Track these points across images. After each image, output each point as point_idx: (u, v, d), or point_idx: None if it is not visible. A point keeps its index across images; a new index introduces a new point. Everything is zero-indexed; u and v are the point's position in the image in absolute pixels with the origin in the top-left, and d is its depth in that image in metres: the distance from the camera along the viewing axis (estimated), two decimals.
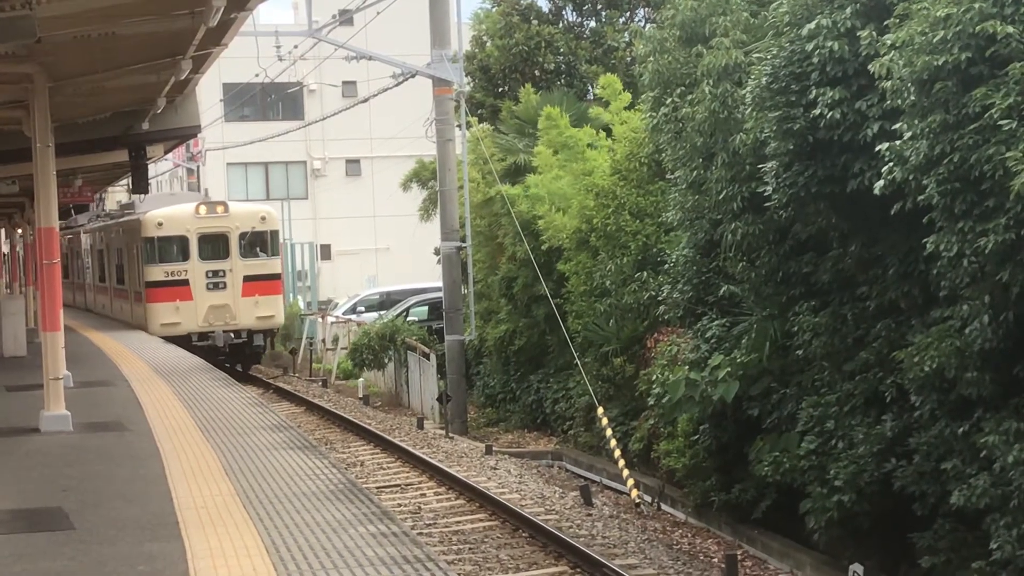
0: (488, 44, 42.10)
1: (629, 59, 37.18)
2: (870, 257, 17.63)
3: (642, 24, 39.86)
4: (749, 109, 18.53)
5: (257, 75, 41.07)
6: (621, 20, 40.90)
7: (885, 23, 16.08)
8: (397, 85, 35.90)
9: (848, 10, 17.02)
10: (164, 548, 11.80)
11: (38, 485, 15.13)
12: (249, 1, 16.46)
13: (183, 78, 21.42)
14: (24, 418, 19.67)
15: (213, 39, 18.48)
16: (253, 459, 16.23)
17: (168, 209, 39.38)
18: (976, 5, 14.53)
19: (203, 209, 38.63)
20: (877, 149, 15.80)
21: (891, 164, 15.39)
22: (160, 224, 38.03)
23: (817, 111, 16.85)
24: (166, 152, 40.26)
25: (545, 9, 41.71)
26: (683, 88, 21.70)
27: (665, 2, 22.73)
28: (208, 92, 54.74)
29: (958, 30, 14.59)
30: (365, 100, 41.18)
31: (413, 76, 34.73)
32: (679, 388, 20.61)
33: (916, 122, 15.09)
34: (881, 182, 15.58)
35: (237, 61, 42.38)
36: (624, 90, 31.80)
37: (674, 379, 20.86)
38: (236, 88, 57.47)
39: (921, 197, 15.07)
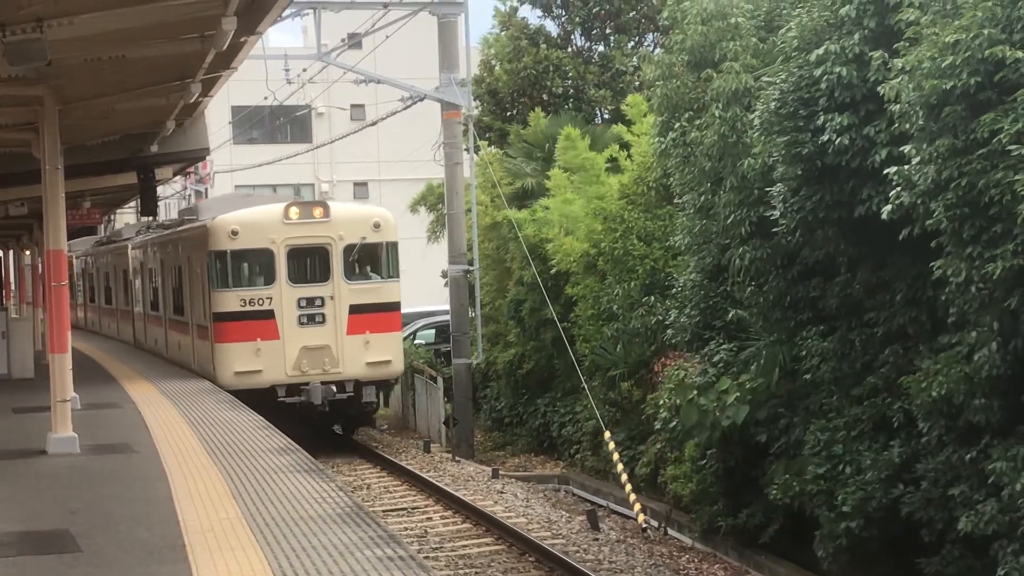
0: (496, 68, 42.16)
1: (637, 83, 37.22)
2: (878, 282, 17.62)
3: (651, 49, 39.92)
4: (757, 134, 18.55)
5: (266, 98, 41.09)
6: (630, 45, 40.96)
7: (894, 46, 16.09)
8: (405, 108, 35.92)
9: (856, 36, 17.04)
10: (171, 571, 11.78)
11: (45, 507, 15.11)
12: (259, 25, 16.50)
13: (192, 101, 21.48)
14: (31, 440, 19.65)
15: (222, 62, 18.54)
16: (260, 482, 16.21)
17: (246, 212, 29.58)
18: (985, 31, 14.55)
19: (295, 212, 28.88)
20: (885, 173, 15.80)
21: (899, 189, 15.39)
22: (235, 233, 28.48)
23: (825, 137, 16.86)
24: (175, 175, 39.60)
25: (554, 33, 41.79)
26: (691, 113, 21.72)
27: (674, 27, 22.74)
28: (217, 114, 54.81)
29: (967, 55, 14.60)
30: (373, 123, 41.17)
31: (421, 100, 34.77)
32: (692, 415, 20.57)
33: (924, 146, 15.09)
34: (889, 206, 15.58)
35: (246, 84, 42.48)
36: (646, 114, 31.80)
37: (686, 405, 20.82)
38: (245, 111, 57.57)
39: (929, 222, 15.07)
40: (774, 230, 18.58)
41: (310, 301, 28.54)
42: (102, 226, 53.07)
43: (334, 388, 28.25)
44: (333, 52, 36.26)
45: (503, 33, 42.37)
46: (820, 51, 17.18)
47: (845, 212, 17.19)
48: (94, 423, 21.50)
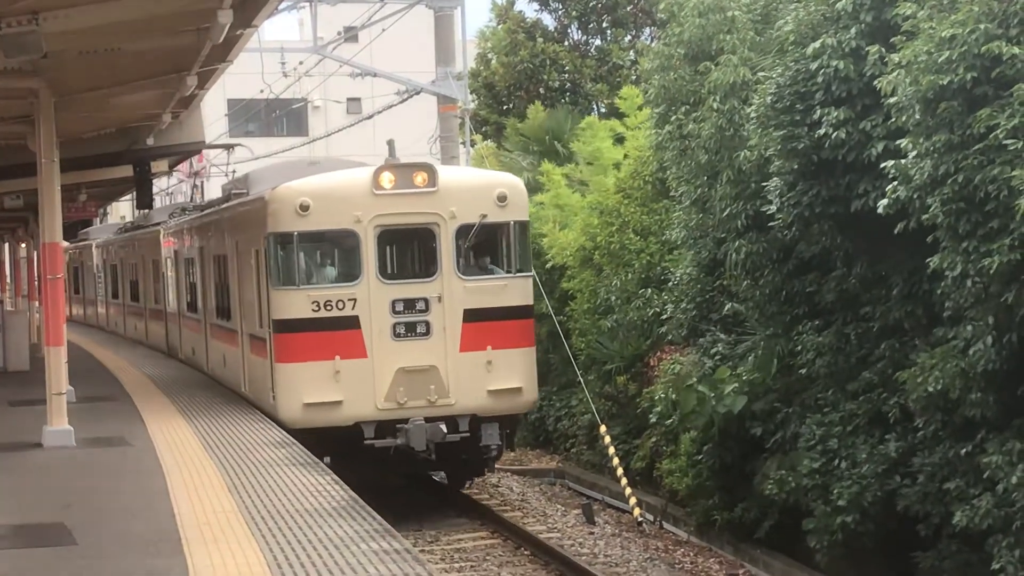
0: (493, 61, 42.14)
1: (634, 78, 37.19)
2: (874, 277, 17.63)
3: (648, 42, 39.89)
4: (754, 126, 18.55)
5: (262, 91, 41.12)
6: (626, 38, 40.94)
7: (891, 40, 16.09)
8: (402, 102, 35.94)
9: (853, 30, 17.03)
10: (167, 564, 11.78)
11: (40, 500, 15.11)
12: (255, 18, 16.50)
13: (188, 94, 21.48)
14: (27, 433, 19.64)
15: (218, 55, 18.52)
16: (256, 475, 16.21)
17: (320, 180, 21.86)
18: (981, 26, 14.54)
19: (388, 178, 21.17)
20: (882, 166, 15.80)
21: (895, 183, 15.39)
22: (304, 208, 20.90)
23: (822, 131, 16.86)
24: (171, 167, 39.47)
25: (550, 27, 41.76)
26: (688, 106, 21.72)
27: (671, 20, 22.73)
28: (213, 108, 54.76)
29: (963, 50, 14.59)
30: (370, 117, 41.20)
31: (418, 93, 34.78)
32: (690, 400, 20.58)
33: (921, 141, 15.09)
34: (885, 200, 15.58)
35: (242, 77, 42.46)
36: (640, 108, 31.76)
37: (684, 391, 20.85)
38: (241, 104, 57.52)
39: (925, 216, 15.07)
40: (770, 224, 18.58)
41: (409, 304, 21.07)
42: (98, 219, 52.80)
43: (443, 427, 20.78)
44: (329, 45, 36.27)
45: (500, 26, 42.32)
46: (817, 45, 17.17)
47: (841, 206, 17.19)
48: (90, 416, 21.49)
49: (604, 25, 41.43)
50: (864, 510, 17.22)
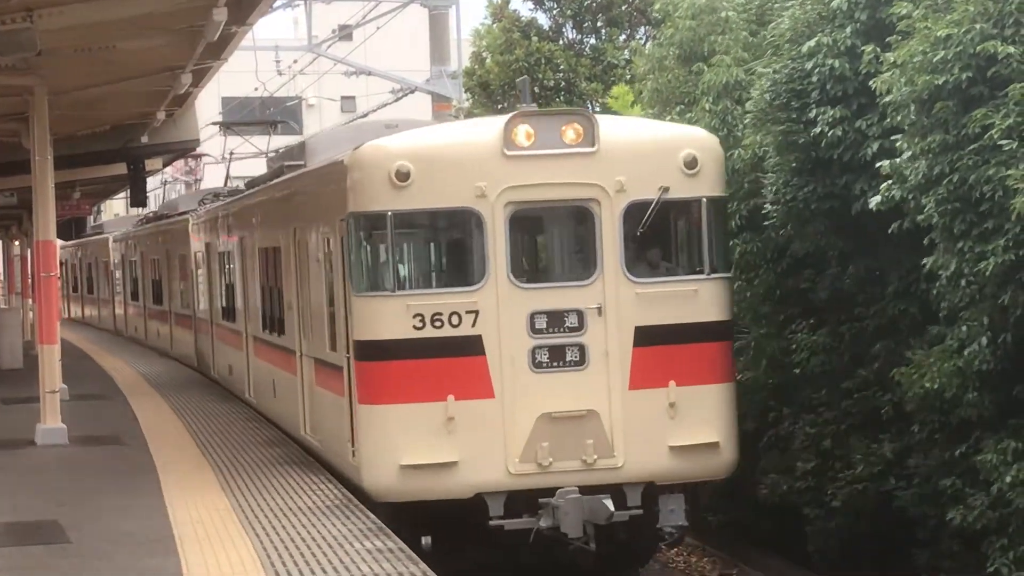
0: (488, 60, 42.10)
1: (628, 77, 37.20)
2: (869, 276, 17.63)
3: (643, 42, 39.92)
4: (750, 119, 18.57)
5: (256, 89, 41.10)
6: (621, 38, 40.94)
7: (887, 40, 16.10)
8: (396, 101, 35.96)
9: (848, 29, 17.03)
10: (160, 563, 11.77)
11: (34, 498, 15.10)
12: (249, 16, 16.50)
13: (182, 92, 21.48)
14: (20, 431, 19.62)
15: (213, 53, 18.53)
16: (250, 474, 16.19)
17: (425, 136, 15.86)
18: (977, 26, 14.53)
19: (526, 133, 14.92)
20: (878, 165, 15.80)
21: (890, 182, 15.39)
22: (404, 176, 14.68)
23: (817, 129, 16.87)
24: (165, 165, 39.29)
25: (545, 26, 41.74)
26: (682, 106, 21.72)
27: (665, 20, 22.74)
28: (207, 106, 54.75)
29: (959, 50, 14.59)
30: (364, 115, 41.21)
31: (412, 92, 34.81)
32: None
33: (916, 141, 15.09)
34: (878, 198, 15.58)
35: (236, 75, 42.40)
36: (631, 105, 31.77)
37: None
38: (235, 102, 57.47)
39: (920, 216, 15.07)
40: (764, 223, 18.59)
41: (556, 320, 14.80)
42: (91, 216, 52.62)
43: (608, 504, 14.51)
44: (324, 44, 36.30)
45: (495, 25, 42.31)
46: (812, 43, 17.18)
47: (837, 204, 17.19)
48: (84, 414, 21.48)
49: (599, 24, 41.43)
50: (859, 510, 17.22)
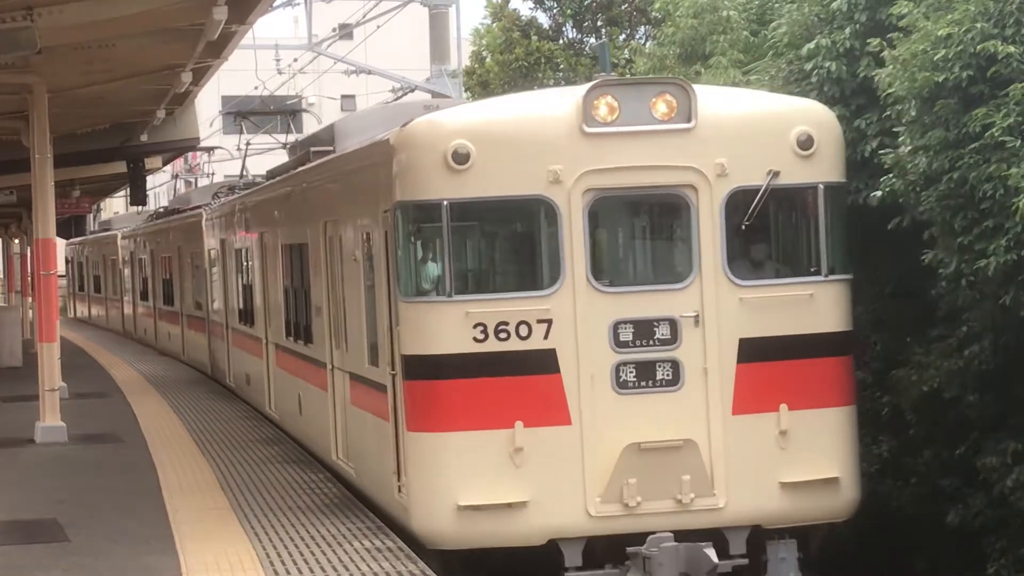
0: (488, 59, 42.15)
1: (628, 76, 37.22)
2: (866, 273, 17.61)
3: (642, 41, 39.94)
4: None
5: (256, 88, 41.07)
6: (621, 37, 40.96)
7: (887, 37, 16.09)
8: (396, 100, 35.89)
9: (847, 30, 17.03)
10: (159, 561, 11.77)
11: (33, 496, 15.10)
12: (249, 15, 16.49)
13: (182, 90, 21.48)
14: (19, 429, 19.62)
15: (213, 52, 18.52)
16: (248, 472, 16.20)
17: (487, 110, 13.63)
18: (977, 25, 14.53)
19: (608, 107, 12.49)
20: (881, 152, 15.79)
21: (891, 176, 15.37)
22: (463, 157, 12.30)
23: None
24: (164, 164, 39.31)
25: (545, 25, 41.78)
26: None
27: (666, 19, 22.73)
28: (207, 104, 54.79)
29: (959, 49, 14.59)
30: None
31: (412, 91, 34.74)
32: None
33: (917, 138, 15.08)
34: (878, 193, 15.57)
35: (236, 74, 42.36)
36: None
37: None
38: (235, 100, 57.45)
39: (920, 210, 15.04)
40: None
41: (644, 330, 12.57)
42: (90, 215, 52.60)
43: (711, 553, 12.25)
44: (324, 42, 36.26)
45: (495, 24, 42.35)
46: (811, 45, 17.18)
47: None
48: (83, 412, 21.48)
49: (599, 23, 41.46)
50: (857, 510, 17.19)
